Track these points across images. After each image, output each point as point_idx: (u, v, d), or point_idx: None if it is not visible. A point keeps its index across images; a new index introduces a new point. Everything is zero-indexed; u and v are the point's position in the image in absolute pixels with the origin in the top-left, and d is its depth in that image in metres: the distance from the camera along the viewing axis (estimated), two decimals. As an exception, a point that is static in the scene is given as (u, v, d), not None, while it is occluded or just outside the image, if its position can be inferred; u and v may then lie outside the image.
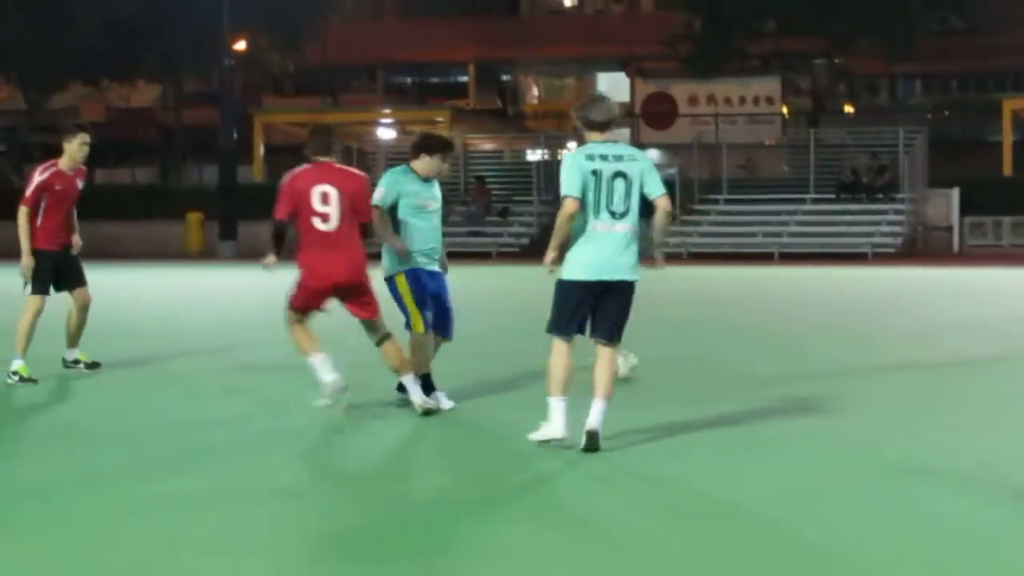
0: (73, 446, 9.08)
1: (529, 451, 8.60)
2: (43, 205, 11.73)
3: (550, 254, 8.60)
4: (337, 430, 9.71)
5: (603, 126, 8.74)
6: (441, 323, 10.40)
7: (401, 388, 10.17)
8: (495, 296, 24.10)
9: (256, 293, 20.20)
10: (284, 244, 9.97)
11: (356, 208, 9.85)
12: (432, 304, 10.25)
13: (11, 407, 10.96)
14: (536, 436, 8.70)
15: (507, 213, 43.77)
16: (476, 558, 6.25)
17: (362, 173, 10.13)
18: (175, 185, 55.16)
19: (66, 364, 12.32)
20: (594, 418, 8.50)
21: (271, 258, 10.05)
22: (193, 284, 28.85)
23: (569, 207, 8.47)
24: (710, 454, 8.60)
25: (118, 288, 23.18)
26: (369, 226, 9.95)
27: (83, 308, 12.21)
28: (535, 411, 8.86)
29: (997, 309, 18.10)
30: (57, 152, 11.98)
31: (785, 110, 51.90)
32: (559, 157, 47.45)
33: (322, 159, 10.01)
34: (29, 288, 11.75)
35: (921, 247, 41.04)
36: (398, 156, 47.65)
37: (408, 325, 10.20)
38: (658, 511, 7.17)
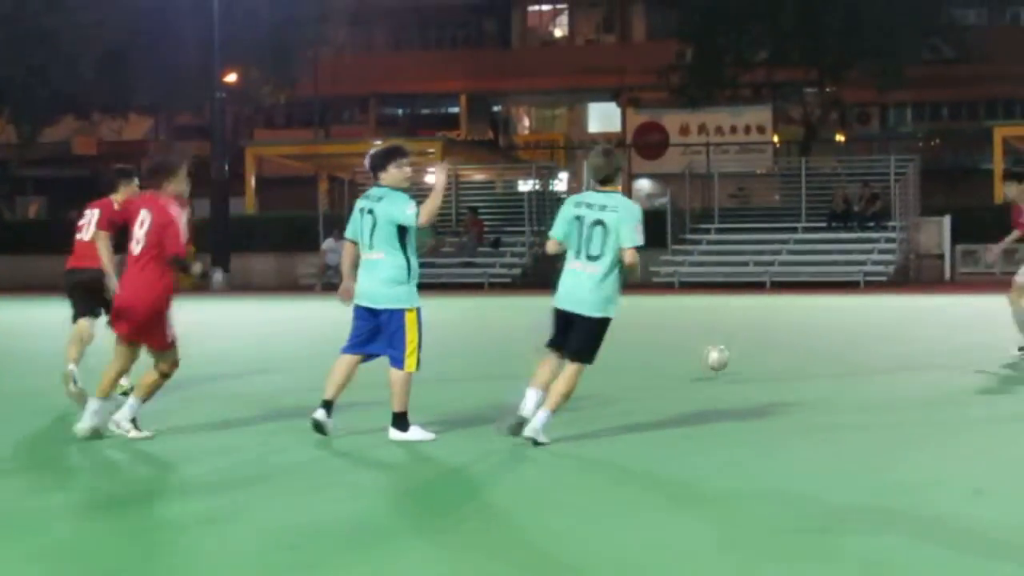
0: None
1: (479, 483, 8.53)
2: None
3: None
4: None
5: (600, 182, 9.99)
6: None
7: None
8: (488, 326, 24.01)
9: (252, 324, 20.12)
10: None
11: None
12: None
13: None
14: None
15: (499, 244, 43.74)
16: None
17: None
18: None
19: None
20: (532, 412, 9.66)
21: None
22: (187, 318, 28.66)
23: (549, 246, 10.17)
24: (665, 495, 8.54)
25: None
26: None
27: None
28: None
29: (988, 337, 18.04)
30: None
31: (776, 139, 52.06)
32: (551, 187, 47.57)
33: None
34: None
35: (913, 275, 41.06)
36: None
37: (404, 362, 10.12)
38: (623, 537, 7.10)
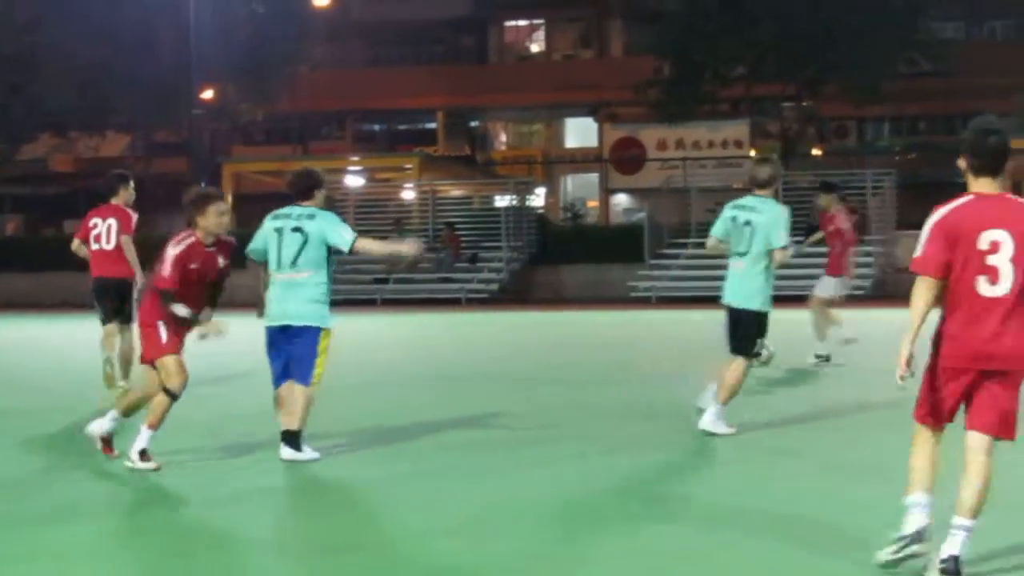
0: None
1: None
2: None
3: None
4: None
5: (761, 185, 11.42)
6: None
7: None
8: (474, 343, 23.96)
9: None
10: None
11: None
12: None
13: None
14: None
15: (476, 259, 43.70)
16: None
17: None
18: (142, 238, 54.80)
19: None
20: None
21: None
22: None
23: (707, 243, 11.99)
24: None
25: (87, 338, 22.99)
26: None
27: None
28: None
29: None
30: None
31: (754, 153, 52.11)
32: (528, 203, 47.59)
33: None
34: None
35: (891, 289, 41.08)
36: (368, 203, 47.78)
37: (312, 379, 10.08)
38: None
